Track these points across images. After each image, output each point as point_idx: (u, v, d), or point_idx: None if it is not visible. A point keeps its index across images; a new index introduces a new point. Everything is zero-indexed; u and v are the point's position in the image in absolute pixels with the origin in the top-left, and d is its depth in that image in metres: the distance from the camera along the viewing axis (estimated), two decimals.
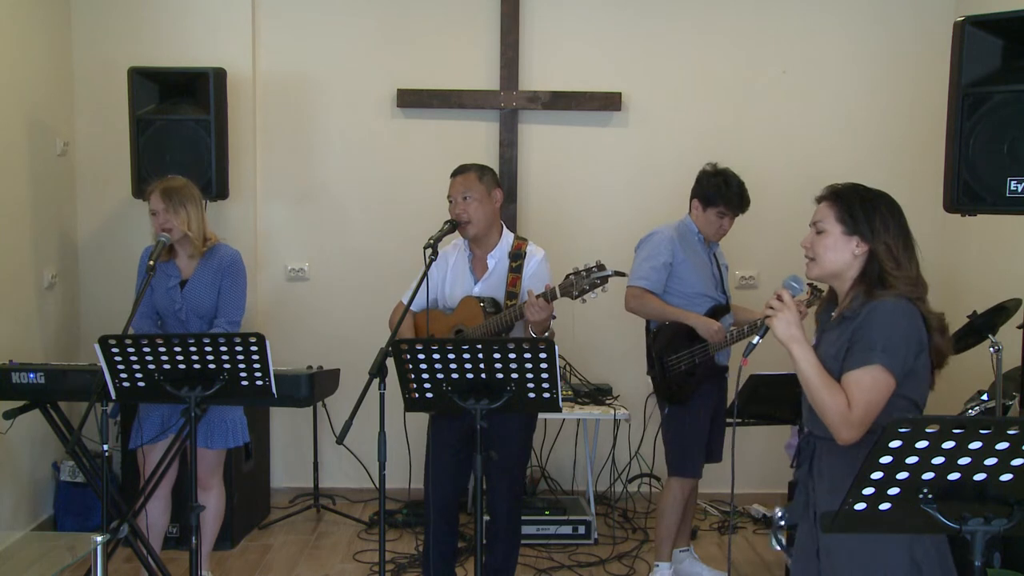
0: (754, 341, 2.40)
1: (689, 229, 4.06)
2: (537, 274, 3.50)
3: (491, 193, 3.52)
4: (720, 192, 3.95)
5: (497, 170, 5.24)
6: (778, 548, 3.09)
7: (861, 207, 2.37)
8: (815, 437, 2.43)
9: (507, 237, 3.58)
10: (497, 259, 3.53)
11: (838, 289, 2.46)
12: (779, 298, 2.36)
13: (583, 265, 3.21)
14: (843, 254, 2.38)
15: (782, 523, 2.95)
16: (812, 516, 2.43)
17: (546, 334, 3.32)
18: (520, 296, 3.47)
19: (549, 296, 3.21)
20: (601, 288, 3.19)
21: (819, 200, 2.47)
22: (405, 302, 3.56)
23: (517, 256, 3.52)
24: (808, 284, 2.80)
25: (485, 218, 3.50)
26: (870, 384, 2.24)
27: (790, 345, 2.31)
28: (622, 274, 3.29)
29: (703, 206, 4.01)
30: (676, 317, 3.93)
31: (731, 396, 4.19)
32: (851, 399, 2.24)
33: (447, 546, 3.62)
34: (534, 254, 3.55)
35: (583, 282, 3.17)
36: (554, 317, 3.33)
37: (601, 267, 3.18)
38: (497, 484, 3.52)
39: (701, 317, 3.92)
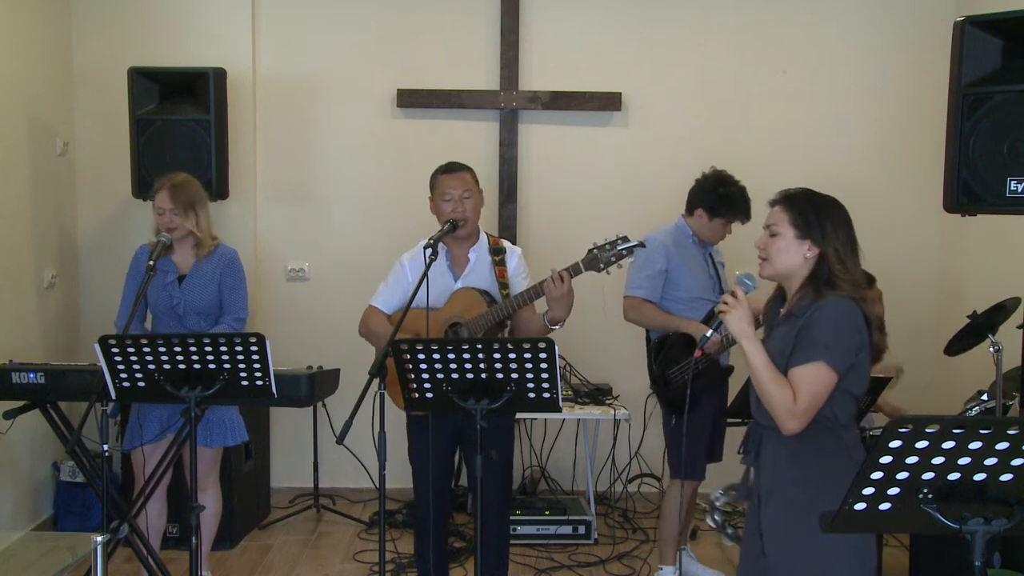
0: (707, 334, 2.58)
1: (683, 232, 4.02)
2: (519, 270, 3.54)
3: (480, 193, 3.56)
4: (730, 203, 3.91)
5: (497, 170, 5.28)
6: (712, 526, 3.26)
7: (814, 213, 2.50)
8: (761, 426, 2.57)
9: (482, 234, 3.59)
10: (478, 254, 3.53)
11: (788, 288, 2.58)
12: (733, 294, 2.50)
13: (604, 239, 3.20)
14: (795, 256, 2.50)
15: (719, 502, 3.16)
16: (756, 499, 2.57)
17: (557, 327, 3.30)
18: (511, 287, 3.48)
19: (572, 271, 3.20)
20: (628, 258, 3.19)
21: (772, 204, 2.59)
22: (380, 307, 3.55)
23: (498, 251, 3.54)
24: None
25: (477, 217, 3.53)
26: (814, 379, 2.38)
27: (741, 340, 2.46)
28: (644, 245, 3.29)
29: (709, 216, 3.95)
30: (676, 326, 3.89)
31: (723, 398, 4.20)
32: (796, 392, 2.38)
33: (441, 547, 3.62)
34: (513, 251, 3.58)
35: (608, 254, 3.17)
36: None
37: (625, 239, 3.18)
38: (487, 484, 3.50)
39: (700, 325, 3.86)
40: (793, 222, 2.50)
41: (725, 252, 4.23)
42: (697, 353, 2.69)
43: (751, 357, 2.43)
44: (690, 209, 4.02)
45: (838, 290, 2.44)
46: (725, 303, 2.50)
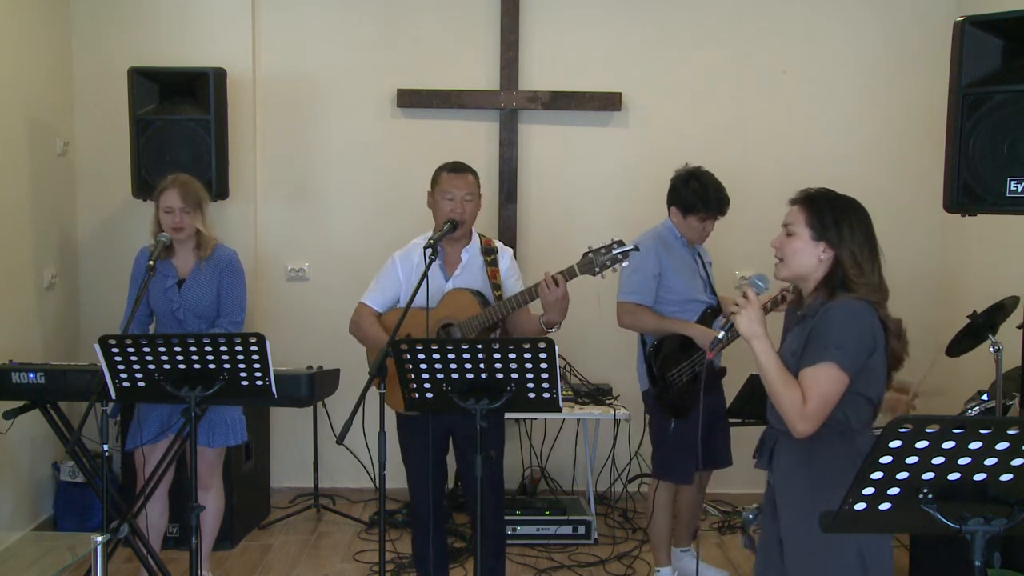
0: (719, 336, 2.56)
1: (671, 234, 3.98)
2: (511, 271, 3.54)
3: (480, 197, 3.56)
4: (699, 198, 3.85)
5: (497, 170, 5.28)
6: (746, 547, 3.20)
7: (831, 214, 2.47)
8: (775, 430, 2.55)
9: (475, 234, 3.59)
10: (471, 254, 3.53)
11: (804, 290, 2.55)
12: (744, 296, 2.47)
13: (599, 243, 3.22)
14: (809, 258, 2.48)
15: (751, 520, 3.11)
16: (771, 504, 2.55)
17: (553, 330, 3.30)
18: (504, 288, 3.48)
19: (568, 275, 3.20)
20: (623, 263, 3.21)
21: (792, 203, 2.55)
22: (371, 305, 3.53)
23: (490, 251, 3.54)
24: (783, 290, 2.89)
25: (474, 221, 3.54)
26: (823, 379, 2.35)
27: (751, 340, 2.43)
28: (638, 249, 3.30)
29: (683, 213, 3.91)
30: (674, 328, 3.86)
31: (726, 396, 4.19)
32: (806, 394, 2.35)
33: (440, 547, 3.62)
34: (504, 251, 3.58)
35: (603, 258, 3.18)
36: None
37: (620, 243, 3.20)
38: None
39: (698, 327, 3.85)
40: (809, 222, 2.47)
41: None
42: (709, 355, 2.71)
43: (760, 358, 2.40)
44: (668, 208, 3.99)
45: (853, 293, 2.41)
46: (736, 304, 2.47)
